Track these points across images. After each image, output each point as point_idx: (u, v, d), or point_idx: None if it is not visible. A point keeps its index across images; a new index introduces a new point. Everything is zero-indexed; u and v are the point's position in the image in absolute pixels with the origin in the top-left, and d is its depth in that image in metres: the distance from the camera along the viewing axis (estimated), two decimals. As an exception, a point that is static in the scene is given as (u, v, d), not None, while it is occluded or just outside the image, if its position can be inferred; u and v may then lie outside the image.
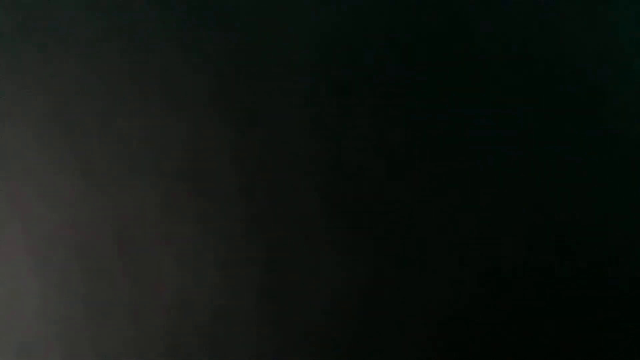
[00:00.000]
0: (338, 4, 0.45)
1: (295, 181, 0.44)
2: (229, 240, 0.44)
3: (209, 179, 0.44)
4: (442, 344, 0.43)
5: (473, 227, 0.43)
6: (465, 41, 0.44)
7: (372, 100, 0.44)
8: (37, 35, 0.45)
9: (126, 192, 0.44)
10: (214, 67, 0.45)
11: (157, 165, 0.44)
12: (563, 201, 0.43)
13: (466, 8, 0.44)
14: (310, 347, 0.43)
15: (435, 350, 0.43)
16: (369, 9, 0.45)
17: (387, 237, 0.43)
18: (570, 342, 0.43)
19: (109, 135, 0.44)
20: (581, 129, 0.44)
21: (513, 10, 0.44)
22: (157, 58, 0.45)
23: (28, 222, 0.44)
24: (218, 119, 0.44)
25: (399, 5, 0.45)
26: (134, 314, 0.43)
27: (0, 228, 0.44)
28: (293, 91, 0.44)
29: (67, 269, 0.44)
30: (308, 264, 0.43)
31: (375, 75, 0.44)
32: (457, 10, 0.44)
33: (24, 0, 0.45)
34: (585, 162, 0.43)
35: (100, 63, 0.45)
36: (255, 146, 0.44)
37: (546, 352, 0.43)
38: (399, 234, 0.43)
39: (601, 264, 0.43)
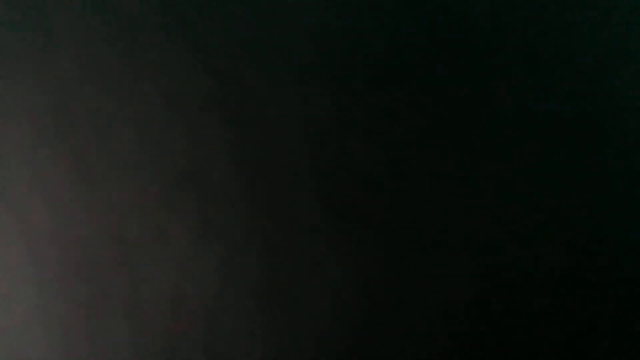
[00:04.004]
0: (337, 3, 0.45)
1: (294, 181, 0.44)
2: (226, 240, 0.44)
3: (207, 179, 0.44)
4: (445, 344, 0.43)
5: (475, 226, 0.43)
6: (466, 39, 0.44)
7: (372, 100, 0.44)
8: (34, 34, 0.45)
9: (124, 193, 0.44)
10: (213, 67, 0.45)
11: (155, 165, 0.44)
12: (566, 200, 0.43)
13: (467, 6, 0.44)
14: (309, 348, 0.43)
15: (438, 350, 0.43)
16: (368, 7, 0.45)
17: (388, 237, 0.43)
18: (574, 343, 0.43)
19: (106, 135, 0.44)
20: (584, 128, 0.44)
21: (515, 7, 0.44)
22: (155, 58, 0.45)
23: (25, 223, 0.44)
24: (216, 120, 0.44)
25: (399, 3, 0.45)
26: (131, 314, 0.43)
27: (-4, 227, 0.44)
28: (292, 91, 0.44)
29: (65, 269, 0.44)
30: (307, 265, 0.43)
31: (375, 75, 0.44)
32: (458, 8, 0.44)
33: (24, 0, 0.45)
34: (589, 162, 0.43)
35: (98, 63, 0.45)
36: (254, 147, 0.44)
37: (550, 352, 0.43)
38: (399, 233, 0.43)
39: (604, 264, 0.43)
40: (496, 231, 0.43)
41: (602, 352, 0.43)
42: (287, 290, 0.43)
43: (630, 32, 0.44)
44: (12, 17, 0.45)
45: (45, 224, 0.44)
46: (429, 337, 0.43)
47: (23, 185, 0.44)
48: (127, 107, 0.45)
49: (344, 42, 0.44)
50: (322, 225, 0.44)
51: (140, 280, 0.44)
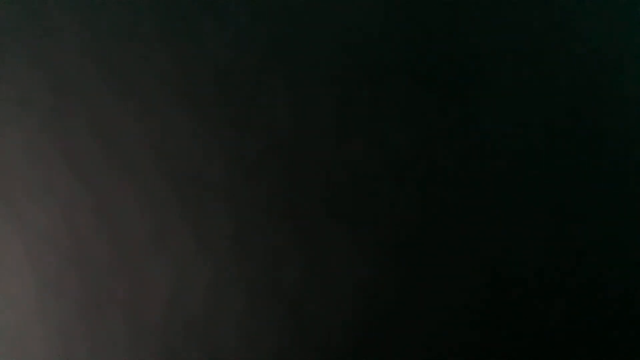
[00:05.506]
0: (337, 3, 0.45)
1: (295, 181, 0.44)
2: (223, 240, 0.44)
3: (205, 179, 0.44)
4: (447, 345, 0.43)
5: (476, 227, 0.43)
6: (468, 40, 0.44)
7: (374, 100, 0.44)
8: (35, 30, 0.45)
9: (121, 194, 0.44)
10: (213, 66, 0.45)
11: (153, 166, 0.44)
12: (570, 202, 0.43)
13: (468, 6, 0.44)
14: (310, 349, 0.43)
15: (440, 352, 0.43)
16: (369, 7, 0.45)
17: (389, 238, 0.43)
18: (576, 347, 0.43)
19: (104, 136, 0.44)
20: (586, 130, 0.44)
21: (517, 8, 0.44)
22: (158, 56, 0.45)
23: (23, 223, 0.44)
24: (218, 118, 0.44)
25: (400, 3, 0.45)
26: (129, 314, 0.43)
27: (-5, 227, 0.44)
28: (293, 91, 0.44)
29: (63, 269, 0.44)
30: (308, 265, 0.43)
31: (376, 74, 0.44)
32: (460, 8, 0.44)
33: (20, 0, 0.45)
34: (592, 164, 0.43)
35: (96, 62, 0.45)
36: (255, 146, 0.44)
37: (553, 354, 0.43)
38: (401, 234, 0.43)
39: (607, 266, 0.43)
40: (499, 232, 0.43)
41: (605, 353, 0.43)
42: (287, 291, 0.43)
43: (631, 32, 0.44)
44: (12, 13, 0.45)
45: (43, 225, 0.44)
46: (430, 338, 0.43)
47: (20, 187, 0.44)
48: (129, 106, 0.45)
49: (344, 42, 0.44)
50: (322, 225, 0.44)
51: (139, 280, 0.44)
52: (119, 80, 0.45)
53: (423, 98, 0.44)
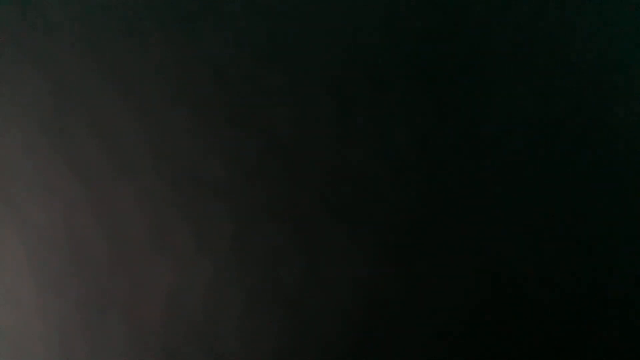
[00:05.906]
0: (337, 3, 0.45)
1: (295, 181, 0.44)
2: (223, 240, 0.44)
3: (205, 179, 0.44)
4: (445, 347, 0.43)
5: (476, 227, 0.43)
6: (468, 40, 0.44)
7: (374, 100, 0.44)
8: (31, 33, 0.45)
9: (121, 194, 0.44)
10: (213, 66, 0.44)
11: (153, 166, 0.44)
12: (570, 202, 0.43)
13: (468, 6, 0.44)
14: (310, 349, 0.43)
15: (438, 353, 0.43)
16: (369, 7, 0.45)
17: (389, 238, 0.43)
18: (576, 347, 0.43)
19: (104, 136, 0.44)
20: (586, 130, 0.44)
21: (517, 8, 0.44)
22: (158, 56, 0.45)
23: (23, 223, 0.44)
24: (218, 118, 0.44)
25: (400, 4, 0.45)
26: (129, 314, 0.43)
27: (-5, 227, 0.44)
28: (293, 91, 0.44)
29: (63, 270, 0.44)
30: (304, 265, 0.43)
31: (376, 75, 0.44)
32: (460, 8, 0.44)
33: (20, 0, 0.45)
34: (592, 164, 0.43)
35: (96, 62, 0.45)
36: (254, 146, 0.44)
37: (549, 356, 0.43)
38: (401, 234, 0.43)
39: (607, 266, 0.43)
40: (499, 232, 0.43)
41: (605, 353, 0.43)
42: (287, 291, 0.43)
43: (632, 31, 0.44)
44: (12, 12, 0.45)
45: (43, 225, 0.44)
46: (430, 338, 0.43)
47: (23, 184, 0.44)
48: (129, 106, 0.45)
49: (344, 41, 0.44)
50: (322, 225, 0.44)
51: (139, 280, 0.44)
52: (119, 80, 0.45)
53: (423, 98, 0.44)
